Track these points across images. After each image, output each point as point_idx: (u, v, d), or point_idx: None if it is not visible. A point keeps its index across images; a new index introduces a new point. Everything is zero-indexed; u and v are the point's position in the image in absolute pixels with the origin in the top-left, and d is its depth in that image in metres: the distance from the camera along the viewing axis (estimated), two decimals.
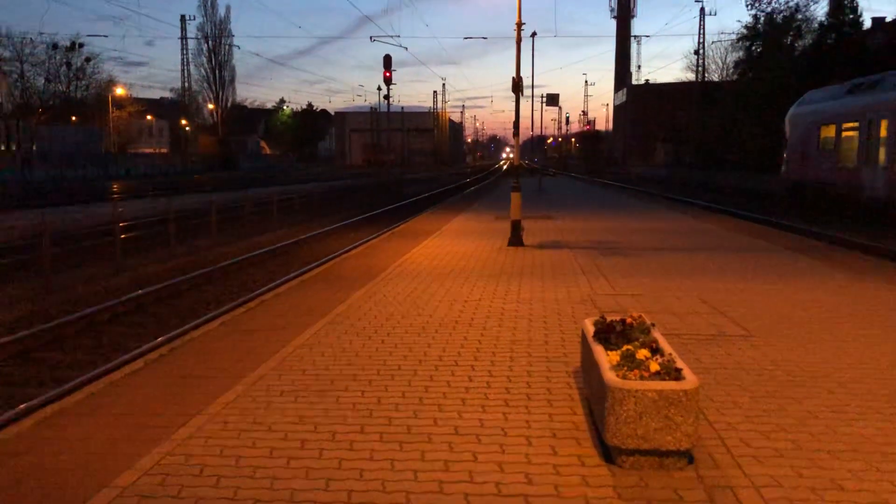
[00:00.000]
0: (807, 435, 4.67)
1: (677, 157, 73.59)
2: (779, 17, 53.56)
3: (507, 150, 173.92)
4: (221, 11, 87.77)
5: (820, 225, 20.93)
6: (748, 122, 52.04)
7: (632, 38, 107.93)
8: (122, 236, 15.76)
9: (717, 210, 26.35)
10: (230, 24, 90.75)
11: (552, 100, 39.75)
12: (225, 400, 5.40)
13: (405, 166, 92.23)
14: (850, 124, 22.36)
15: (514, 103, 16.33)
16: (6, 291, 12.58)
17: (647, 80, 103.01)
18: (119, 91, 78.15)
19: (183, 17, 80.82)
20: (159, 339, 9.22)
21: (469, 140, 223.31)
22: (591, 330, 5.12)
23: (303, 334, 7.37)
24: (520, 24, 15.20)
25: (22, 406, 6.89)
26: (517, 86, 15.56)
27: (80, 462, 4.36)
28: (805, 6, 52.99)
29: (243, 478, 4.10)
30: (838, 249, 14.26)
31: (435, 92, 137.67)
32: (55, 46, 70.18)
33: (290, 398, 5.44)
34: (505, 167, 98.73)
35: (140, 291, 12.04)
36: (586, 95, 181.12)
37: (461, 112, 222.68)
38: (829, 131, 23.97)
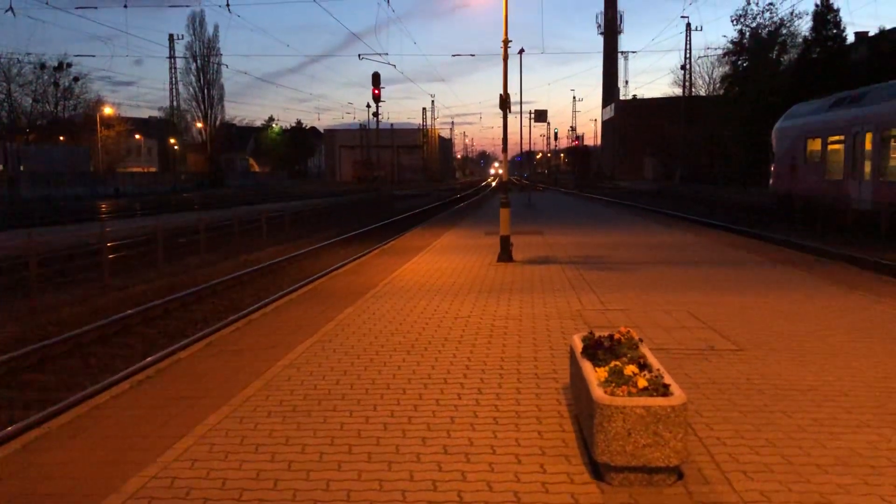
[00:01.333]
0: (796, 449, 4.66)
1: (665, 171, 74.04)
2: (764, 33, 54.20)
3: (496, 165, 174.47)
4: (210, 30, 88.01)
5: (808, 237, 21.06)
6: (735, 136, 52.51)
7: (619, 54, 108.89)
8: (111, 256, 15.69)
9: (706, 223, 26.47)
10: (218, 43, 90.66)
11: (540, 116, 39.93)
12: (212, 421, 5.35)
13: (395, 183, 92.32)
14: (836, 137, 22.58)
15: (502, 119, 16.40)
16: None
17: (634, 96, 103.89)
18: (107, 110, 78.01)
19: (171, 37, 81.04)
20: (146, 359, 9.16)
21: (459, 156, 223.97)
22: (579, 346, 5.11)
23: (291, 353, 7.32)
24: (506, 42, 15.27)
25: (7, 429, 6.81)
26: (504, 102, 15.61)
27: (65, 487, 4.30)
28: (789, 21, 53.74)
29: (230, 500, 4.05)
30: (827, 262, 14.33)
31: (424, 109, 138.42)
32: (43, 66, 70.17)
33: (278, 419, 5.40)
34: (494, 183, 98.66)
35: (128, 312, 11.96)
36: (574, 111, 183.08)
37: (450, 128, 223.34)
38: (816, 144, 24.20)
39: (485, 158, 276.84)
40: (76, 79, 74.10)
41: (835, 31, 49.00)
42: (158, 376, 6.83)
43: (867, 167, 20.51)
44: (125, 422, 5.47)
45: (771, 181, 28.45)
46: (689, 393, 5.26)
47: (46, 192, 54.11)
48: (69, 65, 71.91)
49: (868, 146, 20.43)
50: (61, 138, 72.25)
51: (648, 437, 4.05)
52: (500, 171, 21.07)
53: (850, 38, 51.57)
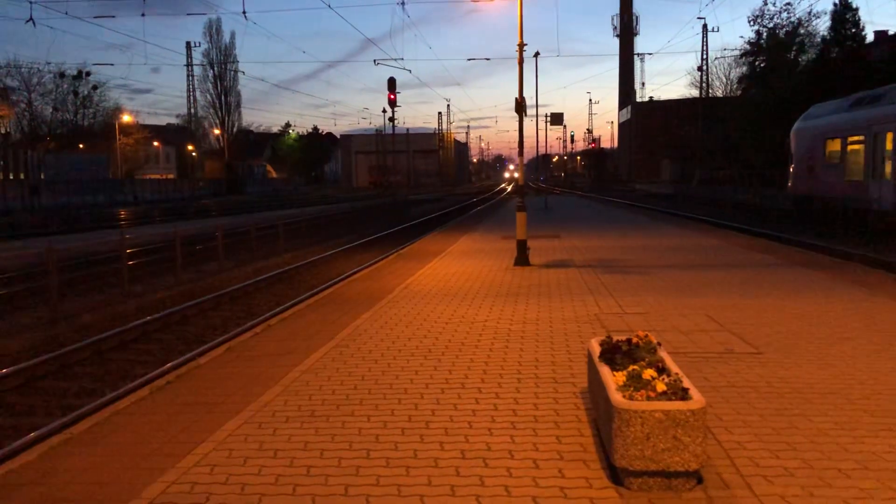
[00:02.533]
0: (817, 453, 4.61)
1: (683, 173, 73.56)
2: (781, 33, 53.68)
3: (511, 167, 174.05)
4: (226, 37, 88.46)
5: (827, 239, 20.85)
6: (753, 138, 52.09)
7: (635, 56, 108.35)
8: (129, 263, 15.82)
9: (724, 226, 26.29)
10: (235, 50, 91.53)
11: (556, 119, 39.77)
12: (231, 427, 5.38)
13: (411, 187, 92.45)
14: (856, 138, 22.34)
15: (518, 123, 16.38)
16: (13, 320, 12.63)
17: (651, 97, 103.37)
18: (126, 118, 78.69)
19: (188, 44, 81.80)
20: (166, 366, 9.22)
21: (475, 160, 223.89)
22: (597, 350, 5.09)
23: (308, 359, 7.35)
24: (522, 45, 15.27)
25: (30, 435, 6.89)
26: (520, 106, 15.59)
27: (86, 492, 4.34)
28: (807, 21, 53.13)
29: None
30: (846, 264, 14.19)
31: (440, 113, 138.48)
32: (62, 75, 70.88)
33: (296, 424, 5.42)
34: (509, 188, 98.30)
35: (147, 318, 12.06)
36: (591, 113, 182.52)
37: (466, 132, 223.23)
38: (835, 145, 23.96)
39: (500, 162, 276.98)
40: (95, 87, 74.90)
41: (854, 30, 48.46)
42: (178, 382, 6.88)
43: (888, 167, 20.27)
44: (145, 427, 5.51)
45: (789, 182, 28.21)
46: (708, 397, 5.23)
47: (66, 200, 54.63)
48: (88, 73, 72.71)
49: (889, 146, 20.19)
50: (81, 146, 72.97)
51: (667, 441, 4.03)
52: (516, 175, 21.02)
53: (870, 37, 51.04)
